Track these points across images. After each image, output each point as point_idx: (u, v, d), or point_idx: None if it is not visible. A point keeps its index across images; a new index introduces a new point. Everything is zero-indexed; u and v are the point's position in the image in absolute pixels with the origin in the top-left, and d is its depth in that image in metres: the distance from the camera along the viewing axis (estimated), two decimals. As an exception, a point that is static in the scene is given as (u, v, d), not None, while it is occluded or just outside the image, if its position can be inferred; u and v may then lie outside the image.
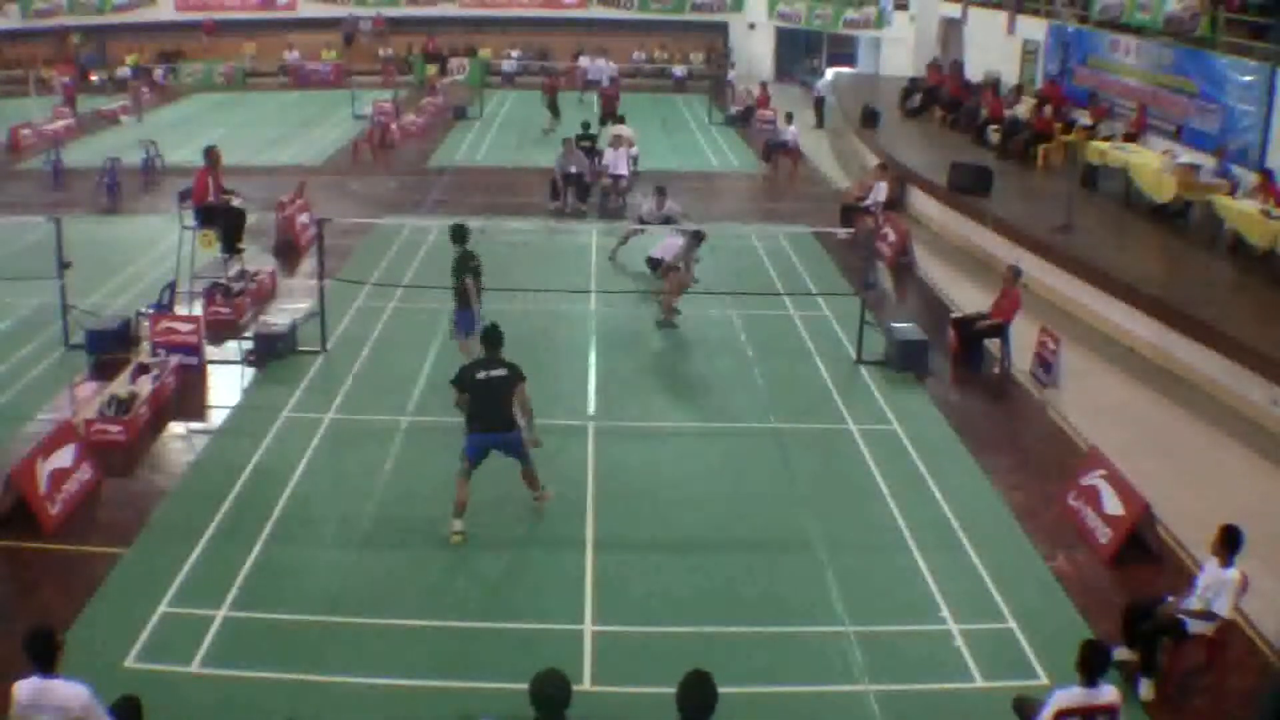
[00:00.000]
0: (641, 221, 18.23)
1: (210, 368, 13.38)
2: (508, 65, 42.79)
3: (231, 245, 15.07)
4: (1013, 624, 8.54)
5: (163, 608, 8.47)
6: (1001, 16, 29.43)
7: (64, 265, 13.59)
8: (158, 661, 7.86)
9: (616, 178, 21.64)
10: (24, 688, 6.02)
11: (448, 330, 13.21)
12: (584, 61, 39.50)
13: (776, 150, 26.46)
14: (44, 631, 6.15)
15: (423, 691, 7.69)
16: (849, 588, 8.98)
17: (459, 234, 12.83)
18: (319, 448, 11.32)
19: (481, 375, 9.52)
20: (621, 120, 25.79)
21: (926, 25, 36.34)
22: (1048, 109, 23.42)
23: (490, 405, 9.52)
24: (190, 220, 14.73)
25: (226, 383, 13.11)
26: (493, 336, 9.71)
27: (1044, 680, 7.69)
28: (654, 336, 14.94)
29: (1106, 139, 21.43)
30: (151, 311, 13.94)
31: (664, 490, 10.68)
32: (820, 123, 32.95)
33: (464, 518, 9.55)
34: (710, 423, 12.19)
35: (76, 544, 9.39)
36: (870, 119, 26.83)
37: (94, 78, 38.75)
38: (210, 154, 14.95)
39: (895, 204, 21.40)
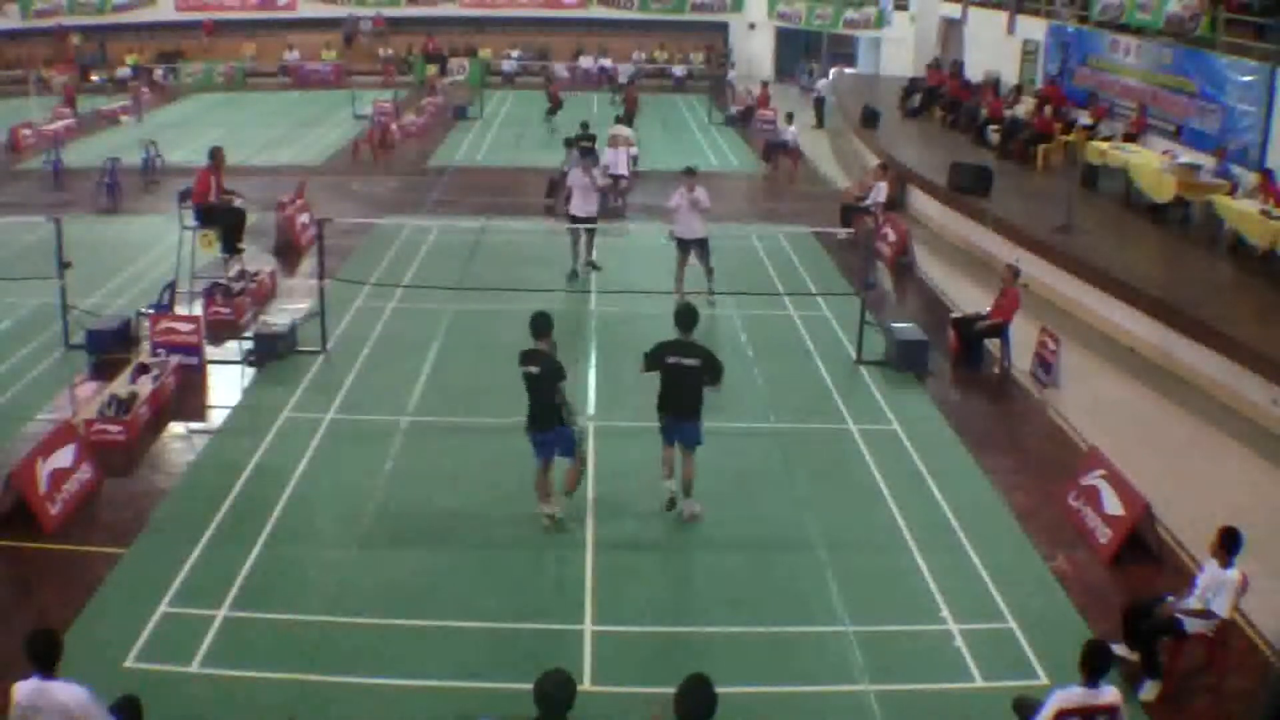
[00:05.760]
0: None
1: (210, 368, 13.38)
2: (508, 65, 42.83)
3: (231, 245, 15.05)
4: (1013, 624, 8.53)
5: (163, 608, 8.47)
6: (1001, 16, 29.44)
7: (64, 265, 13.58)
8: (158, 661, 7.86)
9: (616, 178, 21.62)
10: (23, 689, 6.02)
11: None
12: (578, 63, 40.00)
13: (776, 150, 26.47)
14: (44, 633, 6.15)
15: (423, 691, 7.68)
16: (849, 588, 8.98)
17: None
18: (319, 448, 11.32)
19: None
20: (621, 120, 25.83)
21: (926, 25, 36.36)
22: (1048, 109, 23.42)
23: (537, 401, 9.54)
24: (190, 220, 14.72)
25: (226, 383, 13.10)
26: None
27: (1044, 680, 7.68)
28: (654, 336, 14.89)
29: (1106, 139, 21.43)
30: (151, 311, 13.94)
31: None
32: (820, 123, 32.97)
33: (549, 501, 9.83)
34: (710, 423, 12.11)
35: (76, 544, 9.39)
36: (870, 119, 26.83)
37: (94, 77, 38.74)
38: (215, 155, 14.95)
39: (895, 204, 21.39)
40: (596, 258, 17.65)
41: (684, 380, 9.75)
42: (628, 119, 27.81)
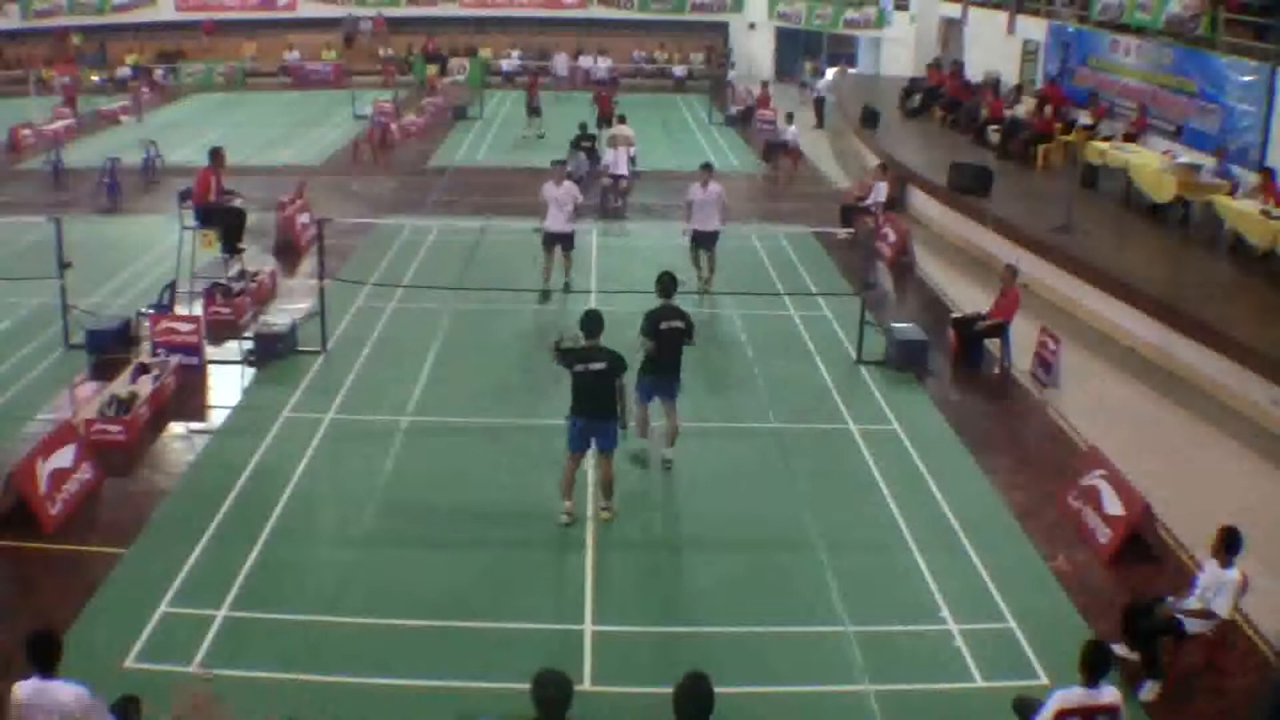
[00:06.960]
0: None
1: (210, 368, 13.37)
2: (508, 65, 42.80)
3: (231, 245, 15.05)
4: (1013, 624, 8.53)
5: (163, 608, 8.47)
6: (1001, 16, 29.43)
7: (64, 265, 13.59)
8: (158, 661, 7.86)
9: (617, 178, 21.64)
10: (23, 688, 6.02)
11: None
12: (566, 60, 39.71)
13: (776, 150, 26.46)
14: (44, 633, 6.15)
15: (423, 691, 7.68)
16: (849, 588, 8.98)
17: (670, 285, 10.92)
18: (319, 448, 11.32)
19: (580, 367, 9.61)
20: (621, 120, 25.78)
21: (926, 25, 36.35)
22: (1048, 109, 23.41)
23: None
24: (190, 220, 14.72)
25: (226, 383, 13.10)
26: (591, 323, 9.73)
27: (1044, 680, 7.69)
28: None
29: (1106, 139, 21.42)
30: (151, 311, 13.95)
31: (664, 490, 10.68)
32: (820, 123, 32.97)
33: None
34: (710, 423, 12.16)
35: (76, 544, 9.39)
36: (870, 119, 26.82)
37: (95, 78, 38.74)
38: (216, 154, 14.96)
39: (895, 204, 21.39)
40: (573, 279, 16.41)
41: (674, 342, 10.62)
42: (601, 123, 27.09)
